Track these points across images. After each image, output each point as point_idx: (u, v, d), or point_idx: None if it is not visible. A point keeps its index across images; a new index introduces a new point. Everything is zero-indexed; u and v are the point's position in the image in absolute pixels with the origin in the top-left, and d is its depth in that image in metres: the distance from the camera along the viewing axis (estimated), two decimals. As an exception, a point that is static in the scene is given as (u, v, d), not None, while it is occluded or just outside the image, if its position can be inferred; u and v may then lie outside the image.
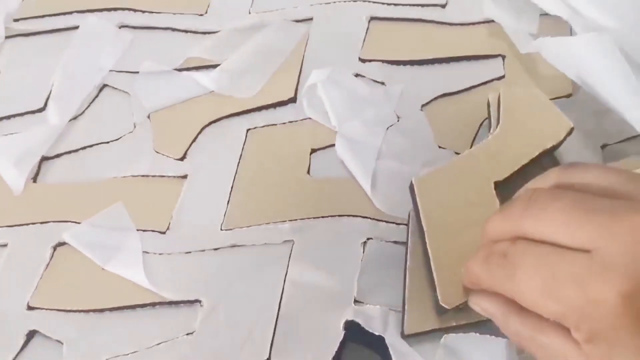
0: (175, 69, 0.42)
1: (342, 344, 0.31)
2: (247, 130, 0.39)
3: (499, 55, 0.41)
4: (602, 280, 0.21)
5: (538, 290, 0.23)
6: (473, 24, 0.42)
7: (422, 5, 0.43)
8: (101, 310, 0.33)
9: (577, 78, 0.37)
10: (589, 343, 0.22)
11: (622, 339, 0.21)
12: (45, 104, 0.41)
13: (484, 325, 0.30)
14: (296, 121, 0.39)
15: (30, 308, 0.34)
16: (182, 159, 0.38)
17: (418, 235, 0.32)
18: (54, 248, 0.36)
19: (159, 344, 0.32)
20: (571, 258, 0.23)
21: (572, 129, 0.33)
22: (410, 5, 0.43)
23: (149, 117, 0.40)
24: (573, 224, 0.23)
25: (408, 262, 0.32)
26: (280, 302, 0.32)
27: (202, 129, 0.39)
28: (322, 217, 0.35)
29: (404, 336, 0.31)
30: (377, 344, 0.31)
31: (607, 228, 0.22)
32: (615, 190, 0.24)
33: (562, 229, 0.23)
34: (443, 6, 0.43)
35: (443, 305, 0.29)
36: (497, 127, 0.35)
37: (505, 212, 0.27)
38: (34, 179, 0.38)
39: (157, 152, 0.39)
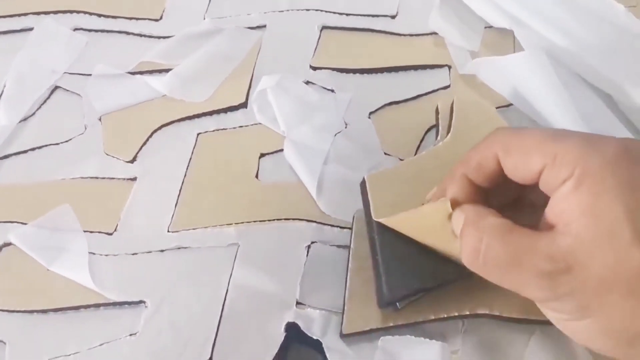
0: (129, 73, 0.42)
1: (286, 345, 0.32)
2: (198, 134, 0.39)
3: (445, 65, 0.42)
4: (605, 137, 0.24)
5: (542, 137, 0.24)
6: (421, 35, 0.43)
7: (373, 16, 0.44)
8: (45, 311, 0.33)
9: (511, 96, 0.38)
10: (576, 189, 0.23)
11: (613, 176, 0.23)
12: (-5, 105, 0.41)
13: (421, 328, 0.31)
14: (246, 126, 0.40)
15: (-27, 308, 0.34)
16: (132, 161, 0.39)
17: (364, 234, 0.33)
18: (0, 248, 0.36)
19: (102, 344, 0.32)
20: None
21: None
22: (361, 15, 0.44)
23: (100, 119, 0.40)
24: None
25: (350, 264, 0.33)
26: (223, 304, 0.33)
27: (153, 132, 0.40)
28: (268, 220, 0.36)
29: (342, 335, 0.31)
30: (321, 345, 0.31)
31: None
32: None
33: None
34: (393, 17, 0.44)
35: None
36: (447, 134, 0.36)
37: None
38: (-18, 180, 0.38)
39: (107, 155, 0.39)
